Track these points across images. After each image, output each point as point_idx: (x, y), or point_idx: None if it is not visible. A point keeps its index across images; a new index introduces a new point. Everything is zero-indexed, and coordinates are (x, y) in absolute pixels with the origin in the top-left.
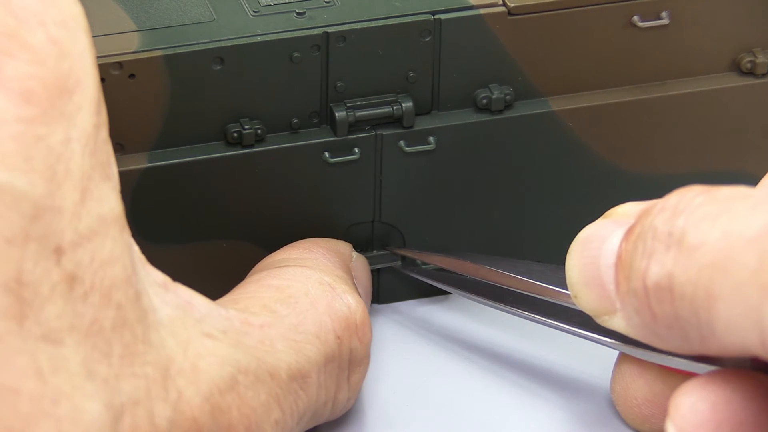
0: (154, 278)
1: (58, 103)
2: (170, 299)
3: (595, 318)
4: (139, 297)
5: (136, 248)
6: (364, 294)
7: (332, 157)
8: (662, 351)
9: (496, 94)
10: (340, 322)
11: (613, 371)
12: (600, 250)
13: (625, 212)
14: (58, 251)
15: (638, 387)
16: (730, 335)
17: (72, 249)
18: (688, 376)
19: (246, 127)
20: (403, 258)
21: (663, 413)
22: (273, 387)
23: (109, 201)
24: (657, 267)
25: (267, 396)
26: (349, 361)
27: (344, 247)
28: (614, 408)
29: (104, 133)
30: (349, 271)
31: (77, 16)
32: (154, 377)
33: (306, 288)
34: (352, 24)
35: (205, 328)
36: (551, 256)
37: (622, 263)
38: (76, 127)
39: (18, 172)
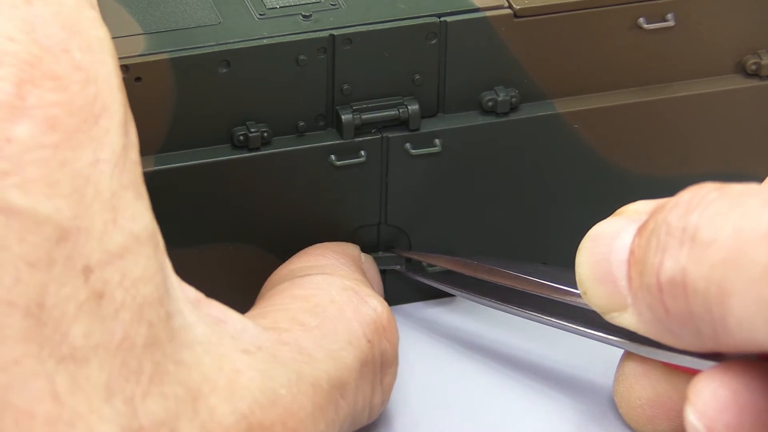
0: (187, 295)
1: (85, 127)
2: (203, 317)
3: (604, 315)
4: (170, 317)
5: (169, 267)
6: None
7: (338, 160)
8: (669, 348)
9: (501, 97)
10: (368, 325)
11: (615, 373)
12: (612, 246)
13: (637, 210)
14: (87, 270)
15: (642, 387)
16: (743, 331)
17: (101, 267)
18: (693, 375)
19: (252, 130)
20: (408, 260)
21: (666, 414)
22: (316, 398)
23: (143, 219)
24: (671, 262)
25: (312, 408)
26: (381, 364)
27: (353, 250)
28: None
29: (134, 153)
30: (364, 273)
31: (102, 39)
32: (184, 397)
33: (330, 295)
34: (358, 27)
35: (241, 345)
36: (557, 259)
37: (636, 259)
38: (104, 149)
39: (42, 197)
